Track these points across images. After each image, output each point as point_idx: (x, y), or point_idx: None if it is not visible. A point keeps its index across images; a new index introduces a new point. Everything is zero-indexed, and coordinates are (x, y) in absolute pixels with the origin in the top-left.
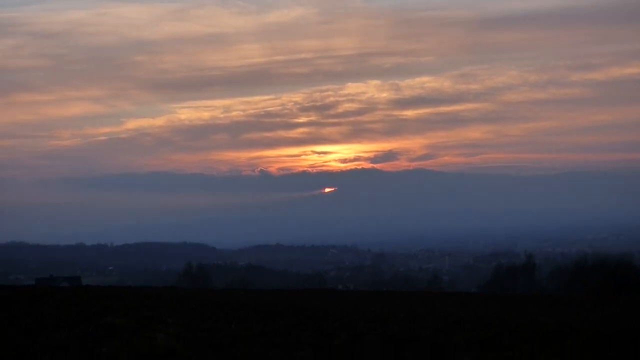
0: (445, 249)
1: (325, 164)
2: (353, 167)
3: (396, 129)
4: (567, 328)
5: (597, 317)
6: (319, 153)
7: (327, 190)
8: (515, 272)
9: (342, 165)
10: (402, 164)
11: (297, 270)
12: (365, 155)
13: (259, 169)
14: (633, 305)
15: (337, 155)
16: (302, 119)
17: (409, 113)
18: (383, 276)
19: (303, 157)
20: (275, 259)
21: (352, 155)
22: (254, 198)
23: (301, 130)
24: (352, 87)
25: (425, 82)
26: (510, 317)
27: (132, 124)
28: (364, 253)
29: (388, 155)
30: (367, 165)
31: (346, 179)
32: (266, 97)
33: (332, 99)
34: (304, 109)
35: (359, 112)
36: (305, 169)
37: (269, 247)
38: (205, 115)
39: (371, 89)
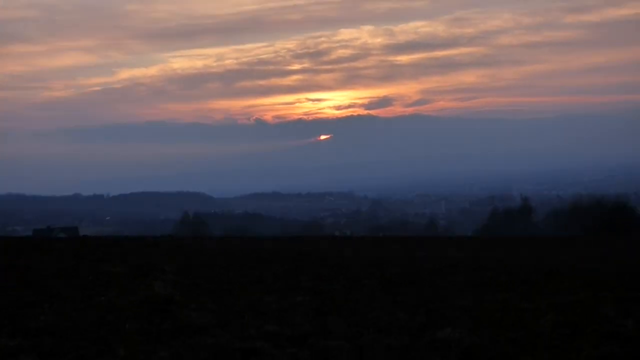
0: (441, 194)
1: (320, 111)
2: (348, 113)
3: (390, 74)
4: (564, 268)
5: (594, 257)
6: (314, 100)
7: (322, 137)
8: (512, 215)
9: (337, 112)
10: (397, 110)
11: (294, 217)
12: (360, 101)
13: (254, 118)
14: (629, 245)
15: (331, 102)
16: (295, 66)
17: (403, 58)
18: (380, 222)
19: (297, 104)
20: (272, 206)
21: (346, 102)
22: (249, 147)
23: (295, 77)
24: (346, 33)
25: (419, 27)
26: (507, 259)
27: (125, 74)
28: (361, 200)
29: (383, 101)
30: (362, 111)
31: (341, 126)
32: (259, 44)
33: (325, 45)
34: (298, 56)
35: (352, 58)
36: (300, 116)
37: (266, 195)
38: (199, 64)
39: (364, 35)
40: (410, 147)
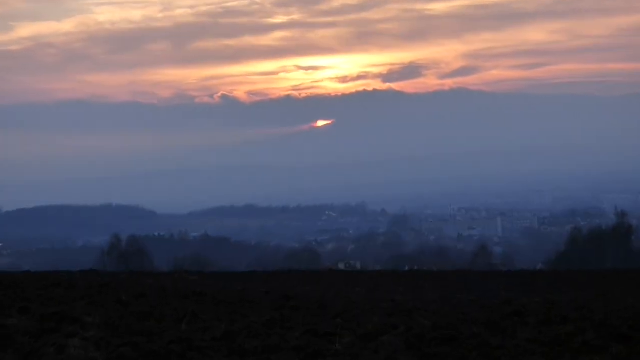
0: (495, 207)
1: (317, 84)
2: (357, 88)
3: (420, 30)
4: None
5: None
6: (306, 69)
7: (320, 123)
8: (602, 238)
9: (341, 87)
10: (430, 83)
11: (277, 243)
12: (376, 70)
13: (219, 94)
14: None
15: (333, 71)
16: (279, 18)
17: (438, 6)
18: (405, 249)
19: (283, 75)
20: (245, 227)
21: (355, 72)
22: (212, 137)
23: (279, 34)
24: None
25: None
26: (596, 305)
27: (26, 30)
28: (376, 215)
29: (409, 71)
30: (379, 85)
31: (348, 107)
32: None
33: None
34: (283, 4)
35: (363, 7)
36: (287, 92)
37: (236, 210)
38: (136, 15)
39: None
40: (450, 138)
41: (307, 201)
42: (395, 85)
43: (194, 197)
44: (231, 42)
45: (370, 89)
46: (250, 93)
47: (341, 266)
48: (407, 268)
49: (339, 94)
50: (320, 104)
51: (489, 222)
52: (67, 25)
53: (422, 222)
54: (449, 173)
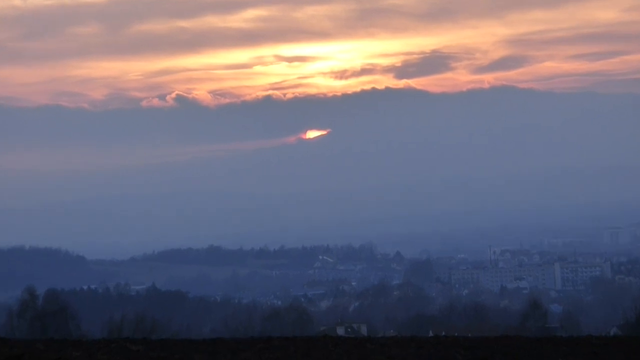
0: (552, 249)
1: (305, 81)
2: (362, 86)
3: (445, 8)
4: None
5: None
6: (291, 60)
7: (310, 134)
8: None
9: (339, 85)
10: (461, 78)
11: (251, 299)
12: (386, 62)
13: (172, 95)
14: None
15: (327, 63)
16: None
17: None
18: (428, 307)
19: (259, 68)
20: (206, 277)
21: (357, 64)
22: (163, 154)
23: (253, 13)
24: None
25: None
26: None
27: None
28: (388, 261)
29: (432, 62)
30: (391, 82)
31: (349, 112)
32: None
33: None
34: None
35: None
36: (265, 92)
37: (194, 254)
38: None
39: None
40: (488, 156)
41: (293, 242)
42: (413, 82)
43: (137, 236)
44: (187, 23)
45: (379, 87)
46: (215, 93)
47: (340, 331)
48: (431, 333)
49: (337, 94)
50: (310, 108)
51: (544, 269)
52: None
53: (451, 270)
54: (488, 203)
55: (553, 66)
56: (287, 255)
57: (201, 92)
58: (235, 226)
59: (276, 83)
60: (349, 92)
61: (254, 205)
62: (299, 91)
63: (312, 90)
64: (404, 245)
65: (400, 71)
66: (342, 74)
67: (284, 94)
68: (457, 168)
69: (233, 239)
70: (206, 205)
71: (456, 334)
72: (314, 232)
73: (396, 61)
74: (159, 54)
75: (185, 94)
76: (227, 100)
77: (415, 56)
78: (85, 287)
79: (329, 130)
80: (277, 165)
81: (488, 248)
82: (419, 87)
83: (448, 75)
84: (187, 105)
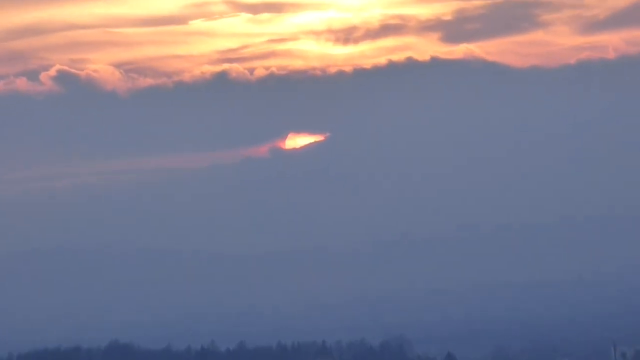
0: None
1: (282, 46)
2: (388, 54)
3: None
4: None
5: None
6: (257, 8)
7: (294, 142)
8: None
9: (341, 54)
10: (558, 43)
11: None
12: (428, 13)
13: (51, 72)
14: None
15: (321, 14)
16: None
17: None
18: None
19: (200, 23)
20: None
21: (376, 16)
22: (41, 169)
23: None
24: None
25: None
26: None
27: None
28: None
29: (510, 13)
30: (435, 47)
31: (363, 102)
32: None
33: None
34: None
35: None
36: (213, 67)
37: (98, 356)
38: None
39: None
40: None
41: (263, 334)
42: (478, 49)
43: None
44: None
45: (419, 57)
46: (125, 69)
47: None
48: None
49: (341, 70)
50: (293, 95)
51: None
52: None
53: None
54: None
55: None
56: (260, 353)
57: (100, 67)
58: (175, 309)
59: (232, 51)
60: (363, 66)
61: (206, 270)
62: (274, 64)
63: (297, 63)
64: (457, 342)
65: (451, 30)
66: (348, 35)
67: (249, 71)
68: (552, 204)
69: (176, 334)
70: (122, 267)
71: None
72: (308, 320)
73: (445, 11)
74: (29, 3)
75: (72, 70)
76: (147, 82)
77: (479, 1)
78: None
79: (328, 134)
80: (230, 198)
81: (610, 347)
82: (489, 58)
83: (538, 35)
84: (77, 89)
